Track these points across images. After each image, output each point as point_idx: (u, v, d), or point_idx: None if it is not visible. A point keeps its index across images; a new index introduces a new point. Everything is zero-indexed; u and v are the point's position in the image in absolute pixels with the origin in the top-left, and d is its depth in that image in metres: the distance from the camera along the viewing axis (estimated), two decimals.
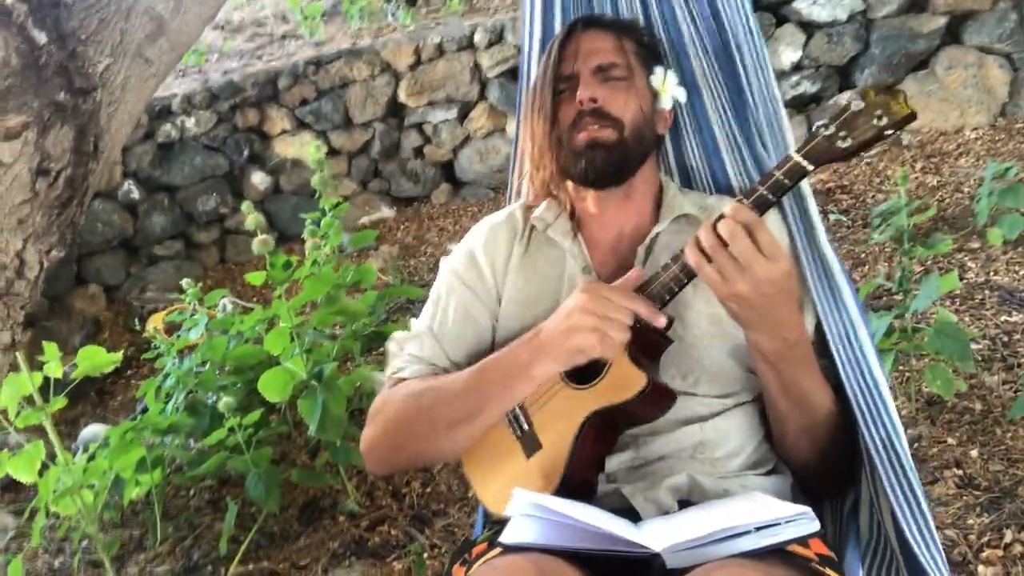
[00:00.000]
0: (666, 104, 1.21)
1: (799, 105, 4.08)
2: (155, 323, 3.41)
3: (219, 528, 2.19)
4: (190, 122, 4.51)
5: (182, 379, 2.39)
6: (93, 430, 2.82)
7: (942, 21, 3.83)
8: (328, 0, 5.87)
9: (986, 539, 1.79)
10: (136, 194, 4.46)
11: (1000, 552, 1.75)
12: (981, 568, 1.72)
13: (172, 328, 3.05)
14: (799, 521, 0.91)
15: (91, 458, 2.17)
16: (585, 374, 1.08)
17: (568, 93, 1.18)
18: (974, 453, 2.05)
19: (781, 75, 4.04)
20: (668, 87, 1.21)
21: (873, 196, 3.56)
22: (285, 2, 5.89)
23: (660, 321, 1.03)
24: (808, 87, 4.04)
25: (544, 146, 1.19)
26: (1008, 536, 1.78)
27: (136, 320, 3.50)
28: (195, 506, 2.39)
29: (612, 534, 0.90)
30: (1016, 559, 1.73)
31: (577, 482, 1.07)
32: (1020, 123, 3.77)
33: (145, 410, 2.41)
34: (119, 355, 2.16)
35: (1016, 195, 2.90)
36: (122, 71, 2.03)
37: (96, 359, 2.12)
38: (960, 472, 2.00)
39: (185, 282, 2.59)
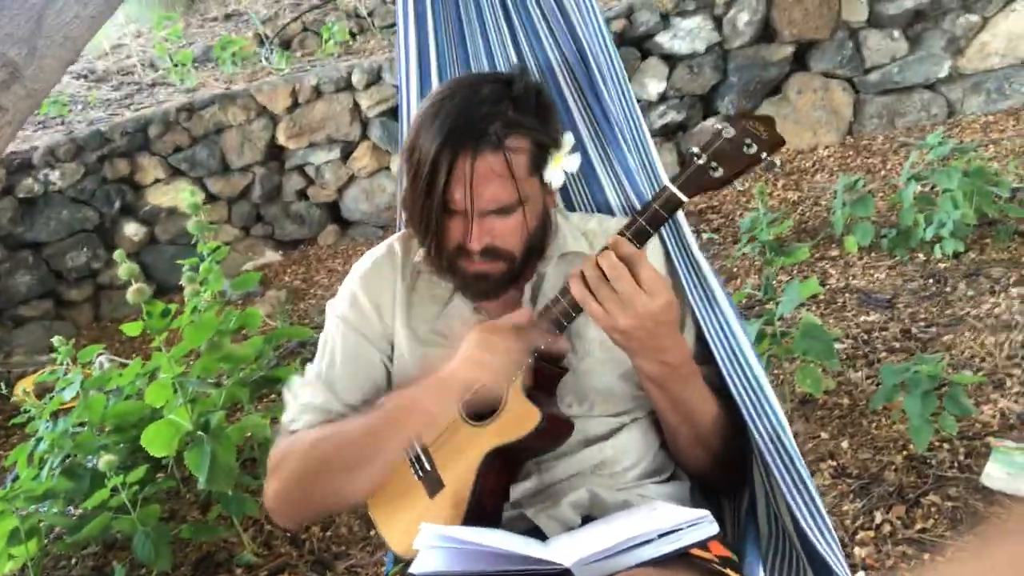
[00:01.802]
0: (558, 184, 1.14)
1: (667, 133, 4.29)
2: (24, 387, 3.20)
3: None
4: (54, 175, 4.31)
5: (57, 442, 2.25)
6: None
7: (790, 50, 4.14)
8: (198, 46, 5.76)
9: (859, 522, 1.92)
10: None
11: (872, 533, 1.88)
12: (857, 550, 1.84)
13: (43, 391, 2.88)
14: (699, 525, 0.96)
15: None
16: (484, 412, 1.10)
17: (457, 215, 1.10)
18: (845, 444, 2.19)
19: (649, 106, 4.25)
20: (561, 166, 1.13)
21: (741, 214, 3.78)
22: (152, 50, 5.74)
23: (563, 345, 1.07)
24: (675, 116, 4.26)
25: (432, 255, 1.15)
26: (878, 517, 1.91)
27: (2, 386, 3.28)
28: (78, 575, 2.25)
29: (521, 554, 0.92)
30: (886, 538, 1.86)
31: (481, 516, 1.08)
32: (865, 140, 4.10)
33: (16, 478, 2.26)
34: None
35: (866, 205, 3.15)
36: None
37: None
38: (834, 463, 2.13)
39: (56, 340, 2.45)
